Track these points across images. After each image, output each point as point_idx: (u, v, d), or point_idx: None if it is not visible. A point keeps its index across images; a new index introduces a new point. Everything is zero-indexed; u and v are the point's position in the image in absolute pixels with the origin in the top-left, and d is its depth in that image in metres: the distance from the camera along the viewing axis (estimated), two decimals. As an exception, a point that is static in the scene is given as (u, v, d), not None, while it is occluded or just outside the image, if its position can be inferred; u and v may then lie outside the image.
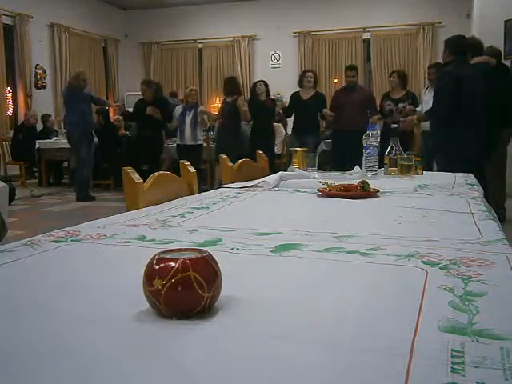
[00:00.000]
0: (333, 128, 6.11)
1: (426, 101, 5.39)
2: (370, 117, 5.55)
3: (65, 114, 6.91)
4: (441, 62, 5.60)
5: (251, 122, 6.33)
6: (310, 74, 6.04)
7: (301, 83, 6.03)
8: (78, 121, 6.15)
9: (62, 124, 7.08)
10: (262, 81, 6.38)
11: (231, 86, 6.38)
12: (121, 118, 8.13)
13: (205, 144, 6.91)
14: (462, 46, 4.00)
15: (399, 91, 5.69)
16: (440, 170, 3.48)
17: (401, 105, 5.51)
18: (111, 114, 8.45)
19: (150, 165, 6.45)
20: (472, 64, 4.06)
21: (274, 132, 6.48)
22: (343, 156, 5.27)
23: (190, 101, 6.53)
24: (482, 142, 3.91)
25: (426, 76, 5.60)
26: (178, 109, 6.66)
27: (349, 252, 0.84)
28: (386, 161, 2.27)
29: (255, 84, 6.42)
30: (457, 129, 3.75)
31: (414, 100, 5.67)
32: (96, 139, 7.15)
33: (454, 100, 3.70)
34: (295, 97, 6.07)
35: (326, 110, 5.87)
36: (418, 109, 5.46)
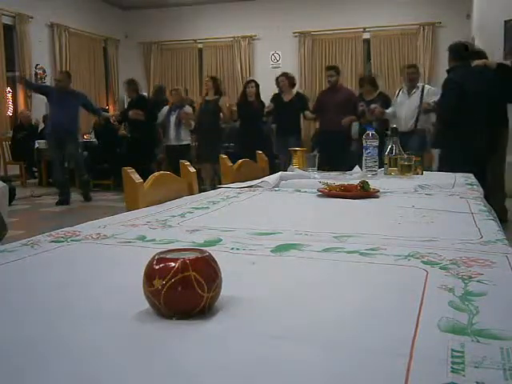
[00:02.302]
0: (318, 129, 6.17)
1: (401, 103, 5.42)
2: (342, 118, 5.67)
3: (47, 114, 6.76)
4: (417, 64, 5.70)
5: (237, 123, 6.38)
6: (281, 78, 6.09)
7: (279, 88, 6.11)
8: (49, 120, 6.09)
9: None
10: (254, 81, 6.39)
11: (218, 85, 6.35)
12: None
13: (193, 144, 6.76)
14: (464, 52, 4.15)
15: (372, 93, 5.84)
16: (442, 170, 3.51)
17: (373, 106, 5.59)
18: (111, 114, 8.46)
19: (142, 166, 6.41)
20: (474, 68, 4.12)
21: (263, 132, 6.44)
22: (328, 156, 5.29)
23: (173, 101, 6.45)
24: (484, 143, 3.97)
25: (406, 77, 5.57)
26: (165, 109, 6.58)
27: (349, 252, 0.84)
28: (386, 161, 2.27)
29: (247, 84, 6.38)
30: (460, 131, 3.83)
31: (386, 101, 5.73)
32: (96, 139, 7.14)
33: (456, 104, 3.84)
34: (277, 98, 6.11)
35: (307, 113, 5.98)
36: (387, 111, 5.50)
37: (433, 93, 5.25)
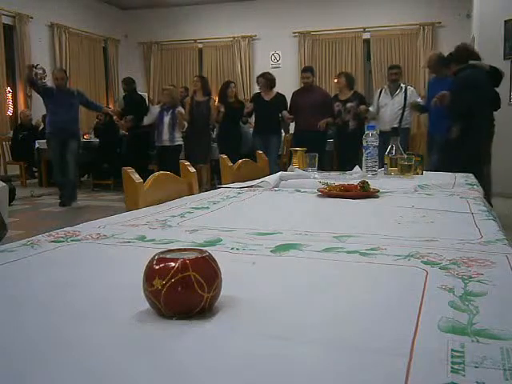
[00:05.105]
0: (295, 129, 6.15)
1: (383, 103, 5.50)
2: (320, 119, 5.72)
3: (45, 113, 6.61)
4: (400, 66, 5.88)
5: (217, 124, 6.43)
6: (260, 79, 6.12)
7: (259, 87, 6.17)
8: (49, 120, 5.95)
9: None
10: (233, 82, 6.50)
11: (207, 85, 6.37)
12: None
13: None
14: (467, 55, 4.29)
15: (346, 92, 5.86)
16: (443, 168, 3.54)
17: (349, 104, 5.64)
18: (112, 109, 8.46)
19: (141, 165, 6.39)
20: (480, 69, 4.19)
21: (241, 132, 6.44)
22: None
23: (164, 101, 6.34)
24: (488, 144, 4.07)
25: (387, 77, 5.69)
26: (156, 108, 6.46)
27: (349, 252, 0.84)
28: (386, 161, 2.27)
29: (228, 85, 6.37)
30: (471, 128, 3.90)
31: (362, 100, 5.79)
32: (97, 138, 7.11)
33: (470, 102, 3.90)
34: (257, 97, 6.14)
35: (284, 113, 5.99)
36: (370, 108, 5.59)
37: (415, 94, 5.54)
